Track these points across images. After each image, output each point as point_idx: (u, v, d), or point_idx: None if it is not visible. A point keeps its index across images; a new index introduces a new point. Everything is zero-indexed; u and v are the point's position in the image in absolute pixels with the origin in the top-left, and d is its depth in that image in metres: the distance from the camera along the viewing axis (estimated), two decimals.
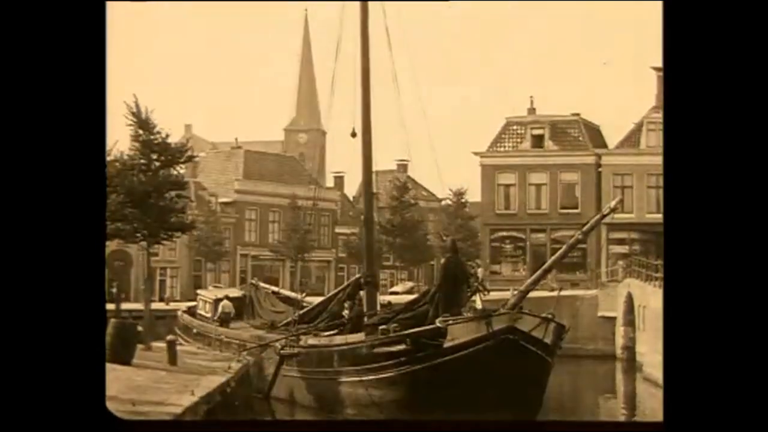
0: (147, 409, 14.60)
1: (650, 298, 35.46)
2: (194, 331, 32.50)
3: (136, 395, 16.20)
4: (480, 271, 51.54)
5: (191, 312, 35.12)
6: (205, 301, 34.19)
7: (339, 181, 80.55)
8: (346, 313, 27.46)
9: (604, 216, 24.16)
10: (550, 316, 22.36)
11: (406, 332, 23.16)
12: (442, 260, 28.27)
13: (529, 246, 59.38)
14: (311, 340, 26.30)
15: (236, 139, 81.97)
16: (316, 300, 31.56)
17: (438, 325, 22.48)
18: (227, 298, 34.14)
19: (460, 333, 22.23)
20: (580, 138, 59.63)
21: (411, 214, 67.26)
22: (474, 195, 66.11)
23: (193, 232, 50.99)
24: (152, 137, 36.81)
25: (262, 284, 36.07)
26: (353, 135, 28.13)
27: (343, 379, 24.38)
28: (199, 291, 39.82)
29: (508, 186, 59.66)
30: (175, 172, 38.20)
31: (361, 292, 27.72)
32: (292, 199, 70.08)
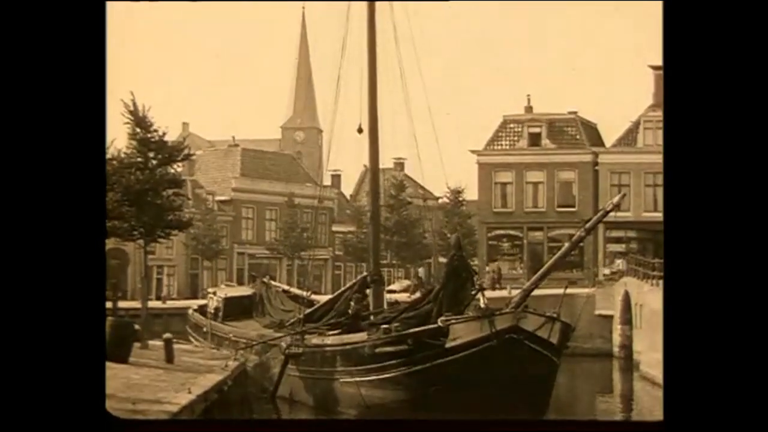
0: (144, 407, 14.59)
1: (647, 296, 35.45)
2: (204, 329, 32.30)
3: (134, 393, 16.19)
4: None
5: (202, 311, 34.91)
6: (216, 300, 33.95)
7: (336, 179, 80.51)
8: (350, 311, 27.20)
9: (607, 212, 23.58)
10: (555, 315, 22.00)
11: (408, 332, 22.84)
12: (442, 258, 28.21)
13: (526, 244, 59.40)
14: (315, 340, 26.00)
15: (233, 137, 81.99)
16: (324, 298, 31.36)
17: (439, 324, 22.18)
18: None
19: (462, 332, 21.87)
20: (578, 136, 59.64)
21: (408, 212, 67.30)
22: (471, 193, 66.19)
23: (190, 230, 50.92)
24: (149, 135, 36.71)
25: (273, 283, 35.86)
26: (360, 131, 27.99)
27: (345, 379, 24.11)
28: (210, 289, 39.59)
29: (505, 184, 59.67)
30: (172, 170, 38.08)
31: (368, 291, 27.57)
32: (289, 197, 70.15)
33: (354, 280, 32.84)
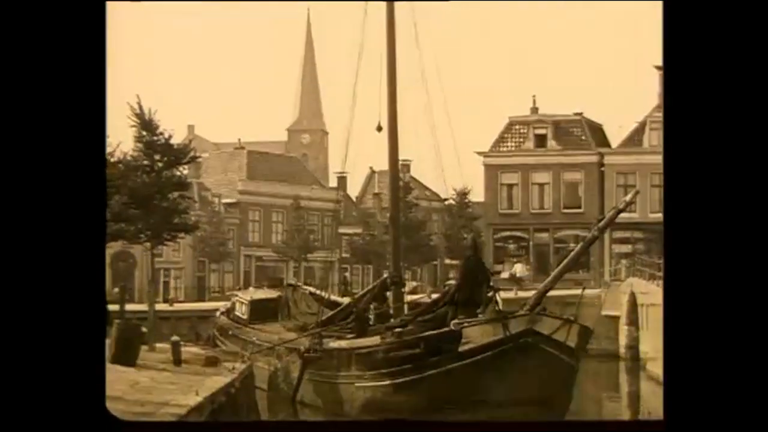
0: (152, 410, 14.62)
1: (654, 297, 35.44)
2: (230, 332, 32.14)
3: (141, 396, 16.23)
4: None
5: (229, 314, 34.71)
6: (242, 303, 33.90)
7: (342, 181, 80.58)
8: (371, 314, 26.89)
9: (620, 210, 22.98)
10: (572, 317, 21.55)
11: (420, 335, 22.47)
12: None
13: (533, 246, 59.40)
14: (332, 343, 25.70)
15: (239, 139, 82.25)
16: (345, 301, 31.15)
17: (451, 328, 21.76)
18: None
19: (476, 336, 21.47)
20: (583, 137, 59.64)
21: (414, 214, 67.34)
22: (477, 195, 66.25)
23: (196, 232, 51.04)
24: (155, 138, 36.86)
25: (302, 286, 35.65)
26: (379, 129, 27.86)
27: (360, 383, 23.74)
28: (235, 292, 39.45)
29: (511, 186, 59.71)
30: (178, 173, 38.22)
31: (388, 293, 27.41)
32: (295, 200, 70.22)
33: (374, 282, 32.62)
